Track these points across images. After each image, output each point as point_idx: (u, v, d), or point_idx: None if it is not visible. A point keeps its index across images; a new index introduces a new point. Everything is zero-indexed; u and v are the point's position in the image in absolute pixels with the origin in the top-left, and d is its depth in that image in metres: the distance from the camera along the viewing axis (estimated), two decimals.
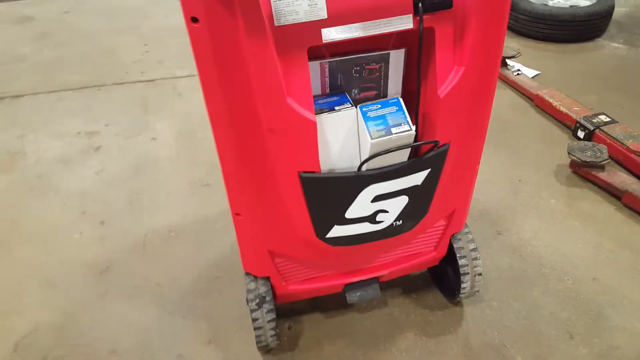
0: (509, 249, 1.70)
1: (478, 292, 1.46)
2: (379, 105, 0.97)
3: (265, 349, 1.41)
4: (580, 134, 2.13)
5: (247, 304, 1.29)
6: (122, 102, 2.73)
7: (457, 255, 1.37)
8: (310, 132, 0.93)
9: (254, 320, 1.28)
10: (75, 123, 2.54)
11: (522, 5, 3.04)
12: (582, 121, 2.12)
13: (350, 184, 1.03)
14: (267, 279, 1.29)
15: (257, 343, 1.33)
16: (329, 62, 0.99)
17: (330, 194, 1.05)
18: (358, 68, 1.01)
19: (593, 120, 2.09)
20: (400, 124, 0.95)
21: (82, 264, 1.74)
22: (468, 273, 1.38)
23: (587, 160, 1.88)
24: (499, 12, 0.94)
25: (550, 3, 3.12)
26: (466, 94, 0.99)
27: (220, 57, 0.86)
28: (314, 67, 1.00)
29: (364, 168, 1.01)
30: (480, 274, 1.39)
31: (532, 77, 2.64)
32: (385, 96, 1.06)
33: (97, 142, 2.40)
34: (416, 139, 1.00)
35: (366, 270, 1.36)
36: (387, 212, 1.10)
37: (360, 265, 1.35)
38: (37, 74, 3.04)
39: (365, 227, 1.12)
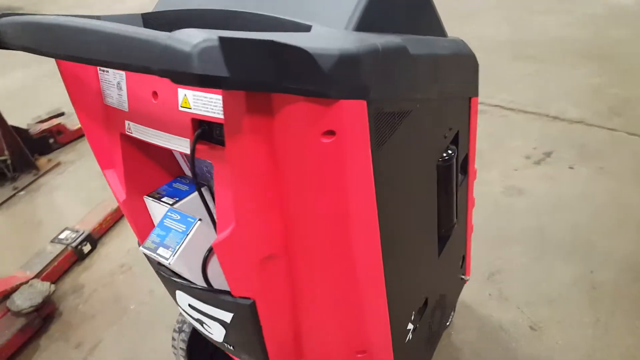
0: None
1: None
2: (179, 217, 0.86)
3: None
4: None
5: None
6: None
7: None
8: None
9: None
10: None
11: None
12: None
13: (164, 275, 0.96)
14: None
15: None
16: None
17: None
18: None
19: None
20: (170, 247, 0.83)
21: None
22: None
23: None
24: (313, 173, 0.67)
25: None
26: (244, 253, 0.75)
27: None
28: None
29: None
30: None
31: None
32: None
33: None
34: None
35: None
36: (210, 327, 0.98)
37: None
38: None
39: (201, 328, 1.03)
